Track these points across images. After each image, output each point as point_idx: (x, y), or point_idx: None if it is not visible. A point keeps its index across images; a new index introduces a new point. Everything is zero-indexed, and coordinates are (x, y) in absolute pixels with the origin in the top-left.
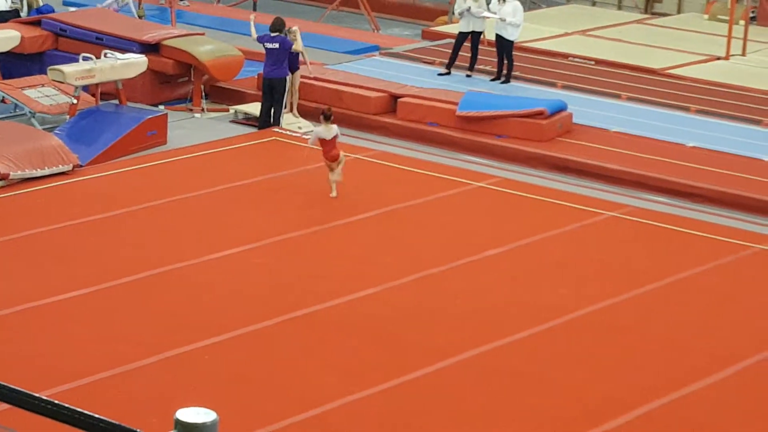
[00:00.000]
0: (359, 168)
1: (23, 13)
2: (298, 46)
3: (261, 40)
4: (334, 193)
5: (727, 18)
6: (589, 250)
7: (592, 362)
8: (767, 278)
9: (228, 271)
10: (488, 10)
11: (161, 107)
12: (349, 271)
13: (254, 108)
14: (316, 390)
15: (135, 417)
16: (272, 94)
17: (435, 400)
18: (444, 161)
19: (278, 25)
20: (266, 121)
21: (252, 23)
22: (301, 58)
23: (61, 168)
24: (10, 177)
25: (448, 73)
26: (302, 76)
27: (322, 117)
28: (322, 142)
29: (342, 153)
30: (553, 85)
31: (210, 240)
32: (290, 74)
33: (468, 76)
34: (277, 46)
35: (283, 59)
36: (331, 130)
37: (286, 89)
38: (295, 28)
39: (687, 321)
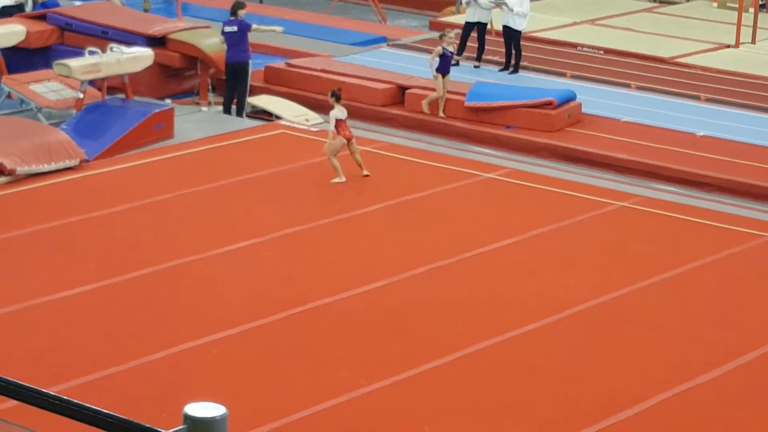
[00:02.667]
0: (367, 160)
1: (28, 8)
2: (438, 51)
3: (222, 26)
4: (365, 171)
5: (736, 6)
6: (599, 241)
7: (603, 354)
8: None
9: (236, 265)
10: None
11: (168, 101)
12: (358, 264)
13: (262, 101)
14: (326, 383)
15: (144, 412)
16: (235, 80)
17: (446, 393)
18: (452, 152)
19: (236, 8)
20: (230, 108)
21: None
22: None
23: (67, 163)
24: (17, 172)
25: (457, 64)
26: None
27: (333, 99)
28: (339, 123)
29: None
30: (562, 74)
31: (218, 234)
32: (441, 76)
33: (476, 66)
34: (235, 29)
35: (242, 42)
36: (344, 109)
37: (249, 74)
38: (452, 33)
39: (699, 311)
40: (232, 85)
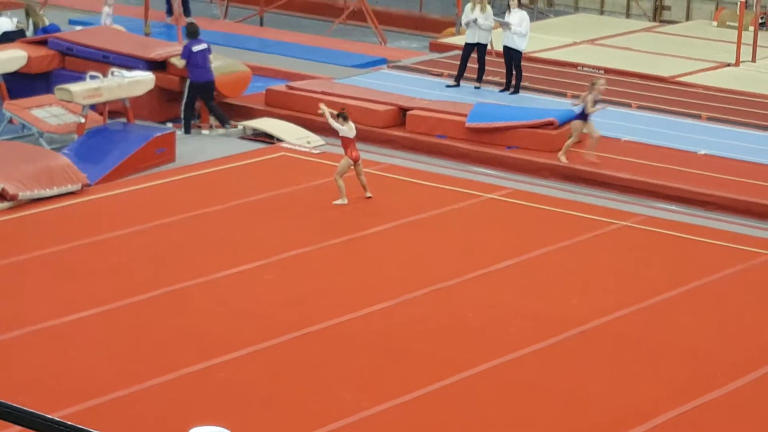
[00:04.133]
0: (369, 182)
1: (29, 33)
2: (588, 107)
3: (186, 48)
4: (368, 193)
5: (736, 24)
6: (601, 260)
7: (606, 373)
8: None
9: (239, 288)
10: (502, 20)
11: (169, 125)
12: (360, 286)
13: (263, 123)
14: (330, 405)
15: None
16: (204, 97)
17: (451, 413)
18: (454, 173)
19: (197, 28)
20: (189, 124)
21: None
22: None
23: (69, 188)
24: (19, 197)
25: (457, 85)
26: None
27: (341, 119)
28: (348, 141)
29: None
30: (562, 95)
31: (221, 257)
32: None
33: (477, 87)
34: (205, 46)
35: (208, 61)
36: (352, 128)
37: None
38: (604, 81)
39: (702, 330)
40: (193, 104)
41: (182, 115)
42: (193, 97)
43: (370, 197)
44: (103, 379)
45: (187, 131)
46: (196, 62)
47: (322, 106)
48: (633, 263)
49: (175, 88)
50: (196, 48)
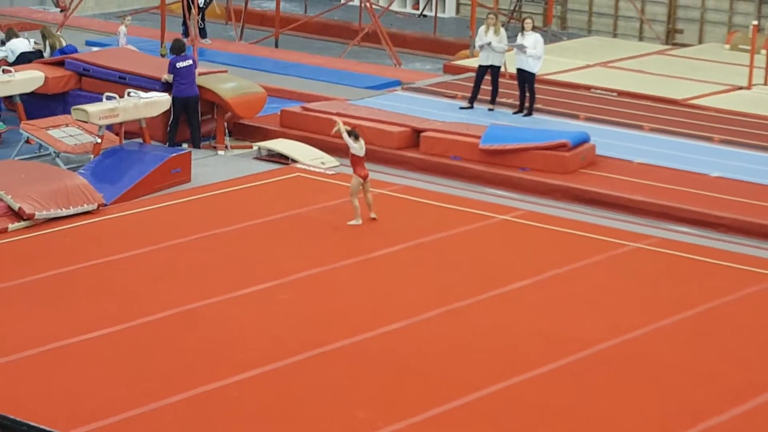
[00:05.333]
0: (383, 203)
1: (46, 54)
2: None
3: (172, 63)
4: (373, 214)
5: (748, 48)
6: (614, 282)
7: (620, 394)
8: None
9: (254, 308)
10: (518, 42)
11: (184, 145)
12: (374, 306)
13: (278, 144)
14: (345, 424)
15: None
16: (188, 113)
17: None
18: (467, 195)
19: (183, 44)
20: (174, 140)
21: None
22: None
23: (86, 207)
24: (36, 217)
25: (471, 107)
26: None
27: (352, 137)
28: (357, 160)
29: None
30: (575, 117)
31: (236, 277)
32: None
33: (490, 110)
34: (190, 62)
35: (193, 76)
36: (363, 147)
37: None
38: None
39: (715, 351)
40: (178, 119)
41: (167, 129)
42: (177, 112)
43: (374, 218)
44: (118, 398)
45: (171, 145)
46: (181, 77)
47: (339, 123)
48: (646, 285)
49: None
50: (181, 64)
